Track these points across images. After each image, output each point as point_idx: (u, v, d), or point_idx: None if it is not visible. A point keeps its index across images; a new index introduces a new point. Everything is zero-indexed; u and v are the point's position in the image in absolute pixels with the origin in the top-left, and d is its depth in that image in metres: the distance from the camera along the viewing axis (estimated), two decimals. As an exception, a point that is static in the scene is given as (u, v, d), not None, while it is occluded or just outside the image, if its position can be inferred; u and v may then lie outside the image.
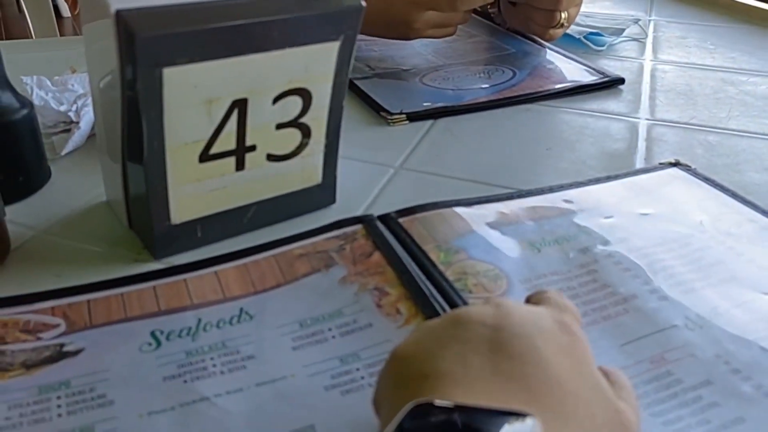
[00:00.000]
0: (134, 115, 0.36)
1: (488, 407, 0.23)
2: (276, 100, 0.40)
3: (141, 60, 0.33)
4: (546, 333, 0.27)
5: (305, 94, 0.41)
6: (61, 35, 1.48)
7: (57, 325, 0.35)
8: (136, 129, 0.37)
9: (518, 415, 0.22)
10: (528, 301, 0.31)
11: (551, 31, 0.77)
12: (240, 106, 0.39)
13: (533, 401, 0.24)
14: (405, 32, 0.71)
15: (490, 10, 0.88)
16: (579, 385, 0.25)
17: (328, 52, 0.40)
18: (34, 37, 1.33)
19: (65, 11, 2.55)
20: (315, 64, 0.40)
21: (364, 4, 0.40)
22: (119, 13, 0.33)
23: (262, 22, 0.36)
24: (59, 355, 0.34)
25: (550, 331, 0.27)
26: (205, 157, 0.39)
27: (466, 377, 0.25)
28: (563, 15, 0.74)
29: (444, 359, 0.25)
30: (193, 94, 0.36)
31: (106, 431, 0.30)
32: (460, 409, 0.22)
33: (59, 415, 0.30)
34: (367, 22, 0.41)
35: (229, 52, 0.36)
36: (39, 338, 0.35)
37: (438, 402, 0.23)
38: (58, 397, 0.31)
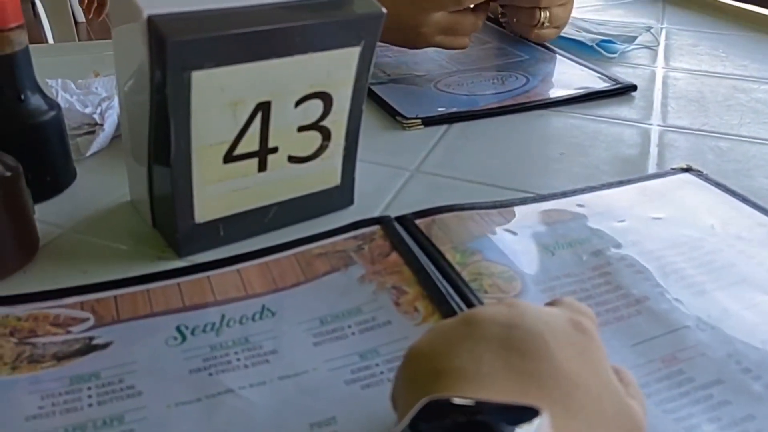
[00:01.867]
0: (162, 116, 0.38)
1: (499, 402, 0.24)
2: (298, 103, 0.41)
3: (171, 64, 0.35)
4: (558, 331, 0.27)
5: (326, 98, 0.42)
6: (77, 40, 1.50)
7: (86, 319, 0.37)
8: (163, 130, 0.38)
9: (528, 409, 0.23)
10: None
11: (536, 31, 0.79)
12: (264, 108, 0.40)
13: (544, 396, 0.25)
14: (413, 38, 0.71)
15: (501, 20, 0.89)
16: (589, 381, 0.26)
17: (349, 57, 0.41)
18: (51, 41, 1.36)
19: (80, 16, 2.59)
20: (336, 68, 0.41)
21: (384, 11, 0.41)
22: (151, 19, 0.34)
23: (286, 28, 0.38)
24: (89, 347, 0.35)
25: (562, 329, 0.28)
26: (229, 158, 0.41)
27: (479, 374, 0.25)
28: (544, 14, 0.76)
29: (457, 357, 0.26)
30: (219, 97, 0.38)
31: (135, 420, 0.31)
32: (472, 404, 0.23)
33: (90, 405, 0.32)
34: None
35: (254, 57, 0.37)
36: (69, 331, 0.36)
37: (451, 398, 0.24)
38: (89, 388, 0.33)
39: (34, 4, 1.60)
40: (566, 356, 0.26)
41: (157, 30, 0.34)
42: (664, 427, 0.32)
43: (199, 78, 0.36)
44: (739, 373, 0.35)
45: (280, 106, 0.40)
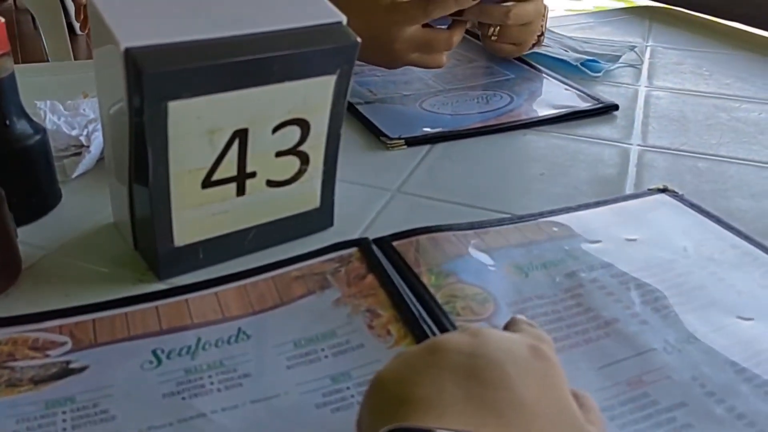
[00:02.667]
0: (141, 143, 0.39)
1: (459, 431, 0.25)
2: (276, 129, 0.42)
3: (148, 94, 0.36)
4: (519, 360, 0.28)
5: (303, 124, 0.43)
6: (74, 52, 1.52)
7: (64, 343, 0.37)
8: (142, 155, 0.39)
9: None
10: (506, 328, 0.33)
11: (492, 45, 0.81)
12: (241, 135, 0.41)
13: (503, 425, 0.26)
14: (389, 55, 0.70)
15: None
16: (547, 409, 0.27)
17: (326, 84, 0.42)
18: (48, 55, 1.37)
19: (78, 29, 2.60)
20: (313, 96, 0.42)
21: (359, 40, 0.42)
22: (128, 51, 0.35)
23: (263, 59, 0.39)
24: (65, 371, 0.36)
25: (523, 358, 0.28)
26: (208, 183, 0.42)
27: (441, 402, 0.26)
28: (493, 28, 0.78)
29: (420, 385, 0.27)
30: (196, 125, 0.39)
31: (108, 445, 0.32)
32: None
33: (64, 429, 0.32)
34: None
35: (230, 86, 0.38)
36: (47, 355, 0.37)
37: (412, 427, 0.24)
38: (64, 412, 0.33)
39: (35, 18, 1.61)
40: (526, 385, 0.27)
41: (135, 62, 0.35)
42: (626, 451, 0.33)
43: (176, 108, 0.37)
44: (703, 396, 0.36)
45: (257, 132, 0.41)
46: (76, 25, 2.61)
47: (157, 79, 0.35)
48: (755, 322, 0.42)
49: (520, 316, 0.35)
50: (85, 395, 0.34)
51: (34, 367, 0.36)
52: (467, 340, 0.29)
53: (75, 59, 1.63)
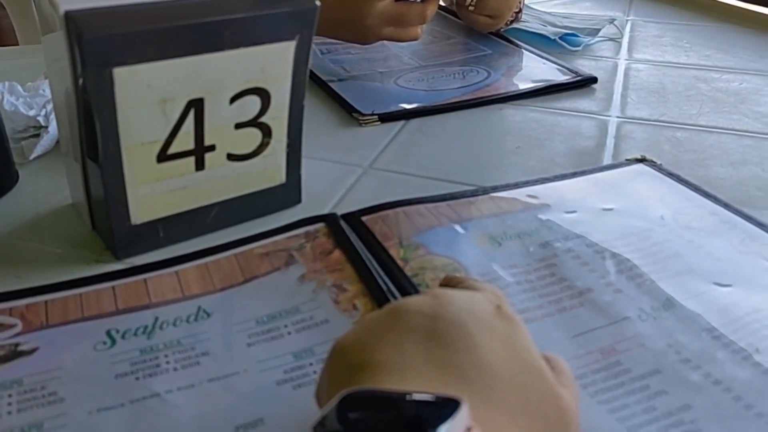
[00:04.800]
0: (89, 116, 0.37)
1: (420, 393, 0.23)
2: (233, 99, 0.40)
3: (89, 59, 0.34)
4: (482, 321, 0.27)
5: (263, 94, 0.41)
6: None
7: (14, 326, 0.36)
8: (91, 130, 0.37)
9: (449, 400, 0.23)
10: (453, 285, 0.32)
11: (467, 15, 0.81)
12: (196, 105, 0.39)
13: (464, 387, 0.24)
14: (362, 31, 0.69)
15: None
16: (513, 371, 0.26)
17: (285, 51, 0.40)
18: (19, 41, 1.34)
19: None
20: (271, 63, 0.40)
21: (318, 3, 0.40)
22: (68, 14, 0.33)
23: (215, 21, 0.37)
24: (13, 354, 0.34)
25: (486, 319, 0.27)
26: (164, 157, 0.40)
27: (402, 366, 0.25)
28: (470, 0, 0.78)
29: (380, 350, 0.26)
30: (146, 94, 0.37)
31: (54, 427, 0.30)
32: (390, 396, 0.23)
33: (9, 413, 0.31)
34: (321, 20, 0.41)
35: (181, 52, 0.37)
36: (-5, 338, 0.35)
37: (372, 390, 0.23)
38: (10, 395, 0.32)
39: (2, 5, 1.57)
40: (490, 346, 0.26)
41: (75, 25, 0.33)
42: (598, 418, 0.32)
43: (122, 75, 0.35)
44: (678, 363, 0.35)
45: (213, 103, 0.40)
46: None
47: (99, 43, 0.34)
48: (733, 288, 0.41)
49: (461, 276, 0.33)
50: (33, 377, 0.33)
51: (-20, 350, 0.34)
52: (429, 301, 0.28)
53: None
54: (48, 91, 0.58)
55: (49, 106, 0.55)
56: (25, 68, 0.72)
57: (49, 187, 0.50)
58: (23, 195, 0.50)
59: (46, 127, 0.54)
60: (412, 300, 0.28)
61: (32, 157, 0.53)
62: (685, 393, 0.33)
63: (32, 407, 0.31)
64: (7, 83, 0.58)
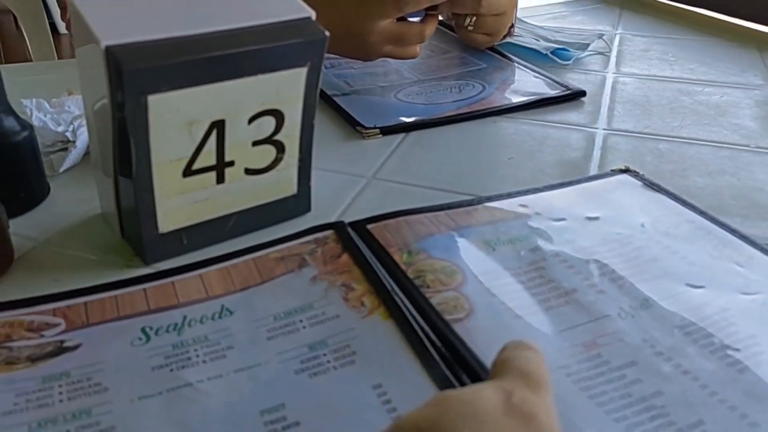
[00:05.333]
0: (123, 136, 0.41)
1: None
2: (251, 120, 0.45)
3: (128, 89, 0.38)
4: (485, 423, 0.24)
5: (278, 115, 0.46)
6: (58, 52, 1.53)
7: (58, 324, 0.40)
8: (125, 148, 0.42)
9: None
10: (495, 364, 0.30)
11: (465, 35, 0.84)
12: (218, 126, 0.43)
13: None
14: (363, 48, 0.73)
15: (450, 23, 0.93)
16: None
17: (297, 77, 0.45)
18: (32, 54, 1.38)
19: (62, 28, 2.61)
20: (285, 88, 0.45)
21: (327, 34, 0.44)
22: (108, 48, 0.38)
23: (236, 53, 0.41)
24: (60, 350, 0.38)
25: (491, 419, 0.25)
26: (188, 172, 0.44)
27: None
28: (469, 18, 0.81)
29: None
30: (175, 118, 0.41)
31: (101, 413, 0.34)
32: None
33: (60, 401, 0.35)
34: None
35: (207, 80, 0.41)
36: (42, 336, 0.39)
37: None
38: (60, 386, 0.36)
39: (17, 18, 1.62)
40: None
41: (115, 59, 0.38)
42: (580, 403, 0.36)
43: (156, 101, 0.39)
44: (652, 356, 0.39)
45: (234, 123, 0.44)
46: (61, 25, 2.61)
47: (136, 74, 0.38)
48: (705, 290, 0.45)
49: (516, 342, 0.30)
50: (79, 370, 0.37)
51: (30, 346, 0.38)
52: (426, 413, 0.25)
53: (60, 58, 1.64)
54: (73, 108, 0.62)
55: (77, 122, 0.59)
56: (43, 84, 0.77)
57: (78, 198, 0.54)
58: (55, 206, 0.54)
59: (74, 141, 0.58)
60: (411, 414, 0.26)
61: (61, 170, 0.57)
62: (658, 382, 0.37)
63: (80, 396, 0.35)
64: (34, 100, 0.62)
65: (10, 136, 0.50)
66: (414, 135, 0.68)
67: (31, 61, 1.36)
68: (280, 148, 0.48)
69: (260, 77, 0.43)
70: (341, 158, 0.62)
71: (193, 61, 0.40)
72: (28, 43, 1.31)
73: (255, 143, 0.46)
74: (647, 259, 0.48)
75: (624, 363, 0.39)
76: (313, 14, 0.45)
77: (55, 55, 1.36)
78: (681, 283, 0.45)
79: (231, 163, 0.46)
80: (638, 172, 0.60)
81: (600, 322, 0.42)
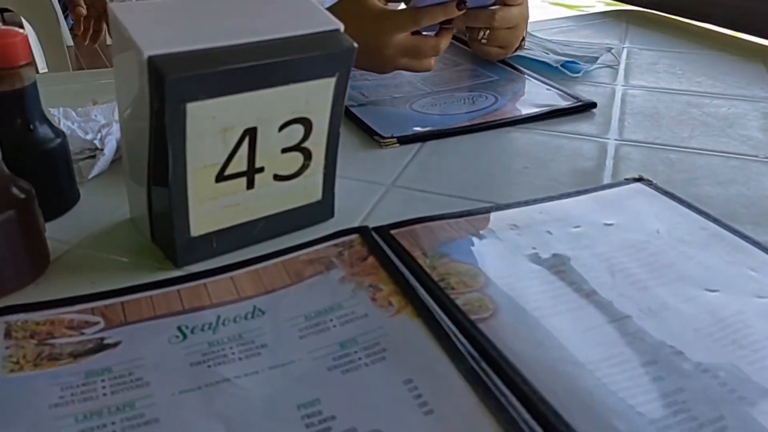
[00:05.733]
0: (161, 142, 0.43)
1: None
2: (281, 128, 0.46)
3: (169, 97, 0.40)
4: None
5: (307, 123, 0.47)
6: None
7: (97, 323, 0.41)
8: (162, 154, 0.43)
9: None
10: None
11: (479, 47, 0.85)
12: (250, 133, 0.45)
13: None
14: (379, 61, 0.75)
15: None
16: None
17: (326, 87, 0.47)
18: (42, 67, 1.41)
19: (68, 40, 2.64)
20: (314, 97, 0.46)
21: (355, 45, 0.46)
22: (151, 59, 0.39)
23: (270, 63, 0.43)
24: (100, 346, 0.40)
25: None
26: (221, 177, 0.46)
27: None
28: (483, 32, 0.82)
29: None
30: (211, 125, 0.43)
31: (144, 406, 0.36)
32: None
33: (104, 394, 0.36)
34: None
35: (241, 89, 0.43)
36: (82, 333, 0.40)
37: None
38: (103, 380, 0.37)
39: (35, 31, 1.64)
40: None
41: (157, 69, 0.39)
42: (608, 397, 0.37)
43: (194, 109, 0.41)
44: (672, 355, 0.40)
45: (265, 131, 0.45)
46: (67, 36, 2.64)
47: (177, 83, 0.40)
48: (720, 293, 0.46)
49: None
50: (120, 366, 0.38)
51: (72, 343, 0.40)
52: None
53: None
54: (100, 117, 0.64)
55: (104, 131, 0.61)
56: (62, 94, 0.79)
57: (107, 204, 0.56)
58: (85, 211, 0.55)
59: (102, 149, 0.60)
60: None
61: (90, 176, 0.59)
62: (678, 379, 0.39)
63: (123, 390, 0.37)
64: (61, 109, 0.64)
65: (45, 143, 0.51)
66: (430, 144, 0.69)
67: (37, 72, 1.38)
68: (308, 155, 0.49)
69: (291, 86, 0.44)
70: (360, 167, 0.64)
71: (230, 70, 0.41)
72: (44, 55, 1.33)
73: (284, 150, 0.48)
74: (664, 264, 0.49)
75: (645, 361, 0.40)
76: (341, 26, 0.47)
77: (70, 66, 1.39)
78: (697, 287, 0.47)
79: (261, 170, 0.47)
80: (651, 181, 0.61)
81: (621, 322, 0.43)
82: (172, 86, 0.39)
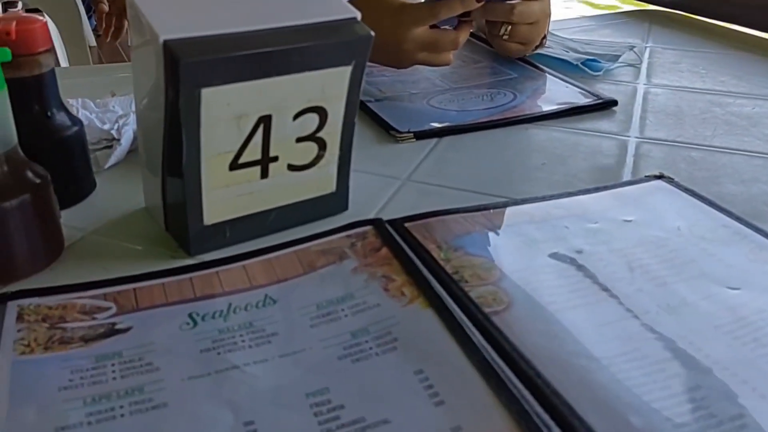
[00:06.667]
0: (175, 129, 0.43)
1: None
2: (296, 116, 0.46)
3: (183, 81, 0.40)
4: None
5: (322, 112, 0.47)
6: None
7: (109, 308, 0.41)
8: (176, 142, 0.43)
9: None
10: None
11: (501, 43, 0.84)
12: (265, 121, 0.45)
13: None
14: (398, 55, 0.74)
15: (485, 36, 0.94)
16: None
17: (342, 75, 0.46)
18: (64, 63, 1.42)
19: (91, 41, 2.67)
20: (330, 85, 0.46)
21: (373, 33, 0.46)
22: (166, 42, 0.39)
23: (286, 50, 0.43)
24: (112, 331, 0.39)
25: None
26: (235, 165, 0.45)
27: None
28: (504, 27, 0.81)
29: None
30: (226, 111, 0.42)
31: (153, 391, 0.35)
32: None
33: (114, 378, 0.36)
34: None
35: (257, 75, 0.42)
36: (94, 318, 0.40)
37: None
38: (113, 365, 0.37)
39: (58, 29, 1.66)
40: None
41: (172, 52, 0.39)
42: (623, 392, 0.36)
43: (209, 94, 0.41)
44: (691, 351, 0.39)
45: (280, 119, 0.45)
46: (90, 38, 2.68)
47: (192, 67, 0.39)
48: (742, 291, 0.45)
49: None
50: (131, 350, 0.38)
51: (83, 327, 0.40)
52: None
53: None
54: (118, 108, 0.64)
55: (121, 122, 0.61)
56: (83, 87, 0.79)
57: (122, 193, 0.56)
58: (100, 200, 0.55)
59: (119, 139, 0.60)
60: None
61: (107, 166, 0.59)
62: (696, 375, 0.38)
63: (133, 374, 0.36)
64: (80, 99, 0.65)
65: (63, 131, 0.52)
66: (447, 140, 0.69)
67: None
68: (322, 145, 0.49)
69: (307, 74, 0.44)
70: (376, 161, 0.64)
71: (245, 56, 0.41)
72: (66, 52, 1.34)
73: (299, 140, 0.47)
74: (684, 261, 0.48)
75: (663, 358, 0.39)
76: (358, 15, 0.46)
77: (91, 62, 1.40)
78: (718, 285, 0.46)
79: (275, 159, 0.47)
80: (673, 179, 0.60)
81: (638, 318, 0.42)
82: (186, 70, 0.39)
